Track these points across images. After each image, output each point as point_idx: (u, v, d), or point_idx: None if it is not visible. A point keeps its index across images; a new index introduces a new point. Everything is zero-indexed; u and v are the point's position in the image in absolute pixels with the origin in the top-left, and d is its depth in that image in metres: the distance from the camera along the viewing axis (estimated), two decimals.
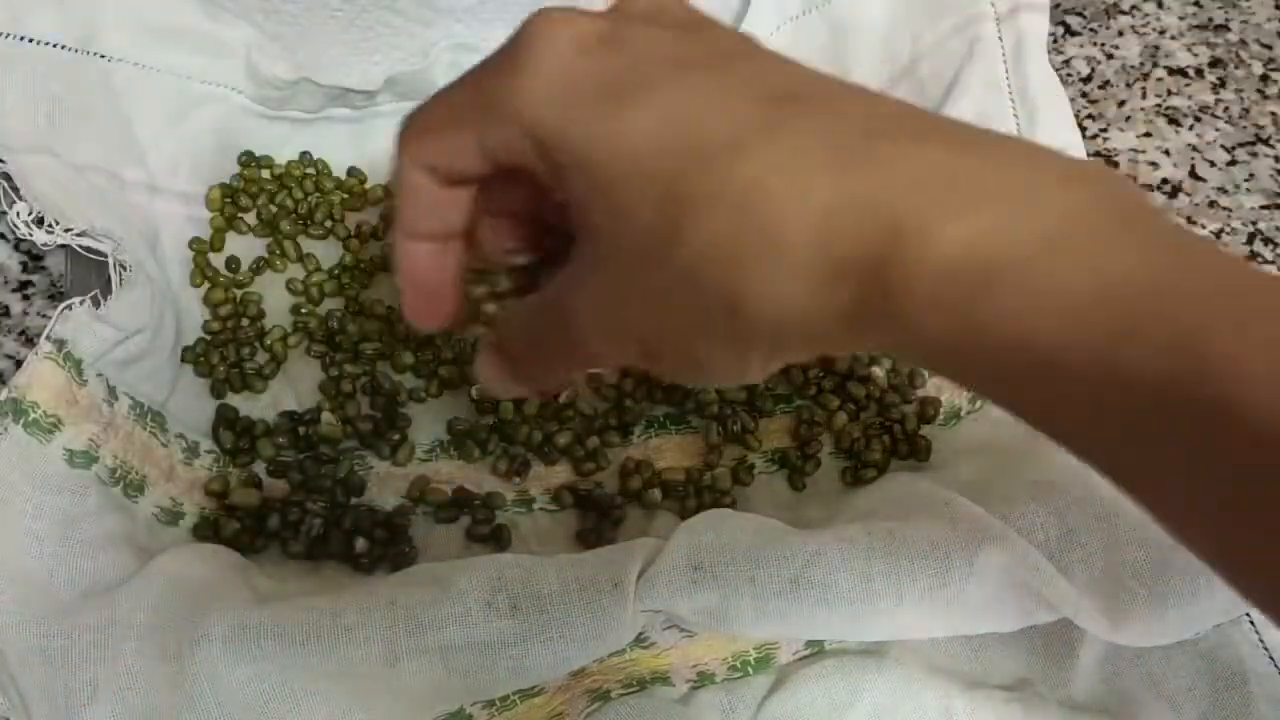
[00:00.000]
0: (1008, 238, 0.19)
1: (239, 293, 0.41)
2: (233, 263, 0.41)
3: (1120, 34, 0.51)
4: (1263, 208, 0.46)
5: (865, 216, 0.19)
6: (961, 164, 0.20)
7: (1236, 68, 0.51)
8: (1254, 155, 0.48)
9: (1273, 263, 0.44)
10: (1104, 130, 0.48)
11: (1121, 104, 0.49)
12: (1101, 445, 0.19)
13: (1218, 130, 0.48)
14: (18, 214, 0.35)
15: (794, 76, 0.22)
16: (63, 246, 0.35)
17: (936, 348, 0.20)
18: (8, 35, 0.38)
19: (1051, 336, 0.18)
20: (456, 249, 0.27)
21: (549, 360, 0.26)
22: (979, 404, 0.39)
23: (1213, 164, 0.47)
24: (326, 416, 0.38)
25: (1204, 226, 0.45)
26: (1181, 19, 0.52)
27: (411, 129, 0.25)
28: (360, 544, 0.35)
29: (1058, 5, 0.52)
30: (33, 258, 0.40)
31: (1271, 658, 0.33)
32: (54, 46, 0.39)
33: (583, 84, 0.21)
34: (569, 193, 0.22)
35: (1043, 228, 0.19)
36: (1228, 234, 0.45)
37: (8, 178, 0.35)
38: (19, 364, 0.33)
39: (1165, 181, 0.47)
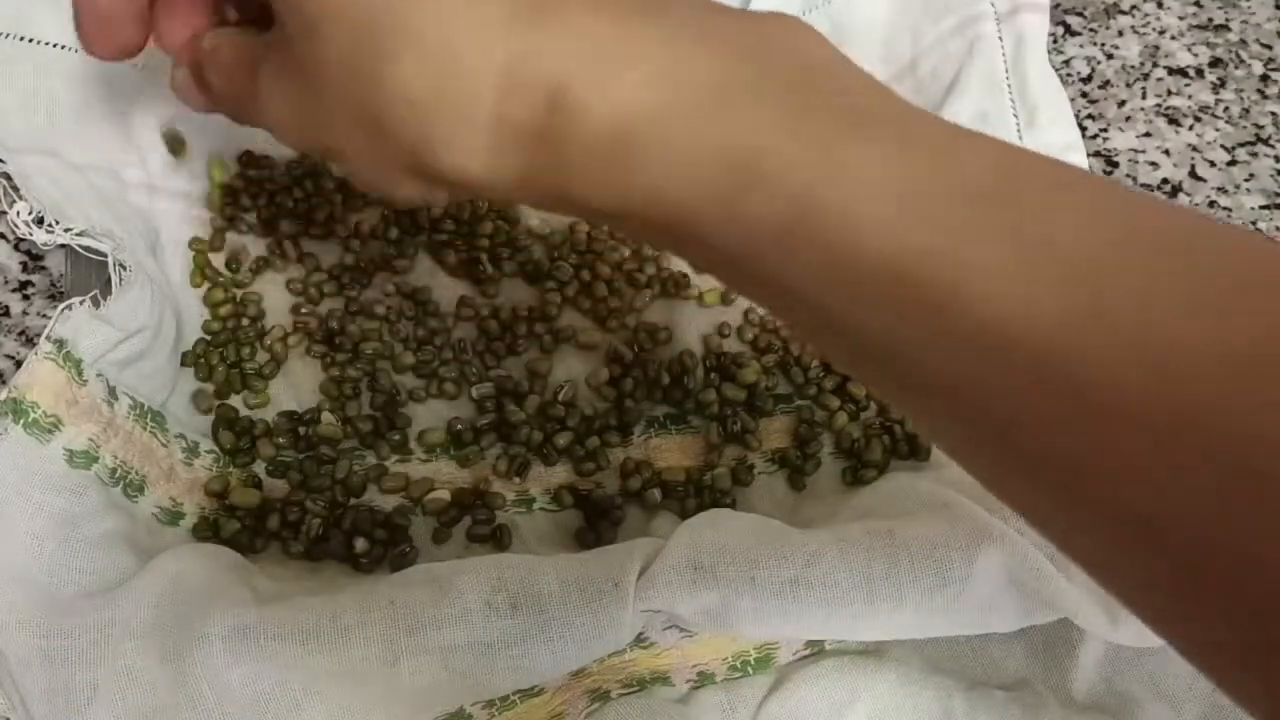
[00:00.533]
0: (647, 107, 0.20)
1: (239, 293, 0.41)
2: (233, 263, 0.41)
3: (1120, 34, 0.51)
4: (1263, 208, 0.46)
5: (535, 84, 0.21)
6: (627, 33, 0.21)
7: (1236, 68, 0.51)
8: (1254, 155, 0.48)
9: None
10: (1104, 130, 0.48)
11: (1122, 104, 0.49)
12: (748, 293, 0.23)
13: (1218, 130, 0.48)
14: (18, 214, 0.35)
15: None
16: (63, 246, 0.35)
17: (600, 214, 0.22)
18: (8, 35, 0.38)
19: (679, 198, 0.20)
20: None
21: (234, 105, 0.27)
22: None
23: (1213, 164, 0.47)
24: (326, 416, 0.38)
25: None
26: (1181, 19, 0.52)
27: None
28: (360, 544, 0.35)
29: (1058, 5, 0.52)
30: (33, 258, 0.40)
31: None
32: (54, 46, 0.39)
33: None
34: None
35: (680, 96, 0.20)
36: None
37: (8, 178, 0.35)
38: (19, 364, 0.33)
39: (1165, 181, 0.47)
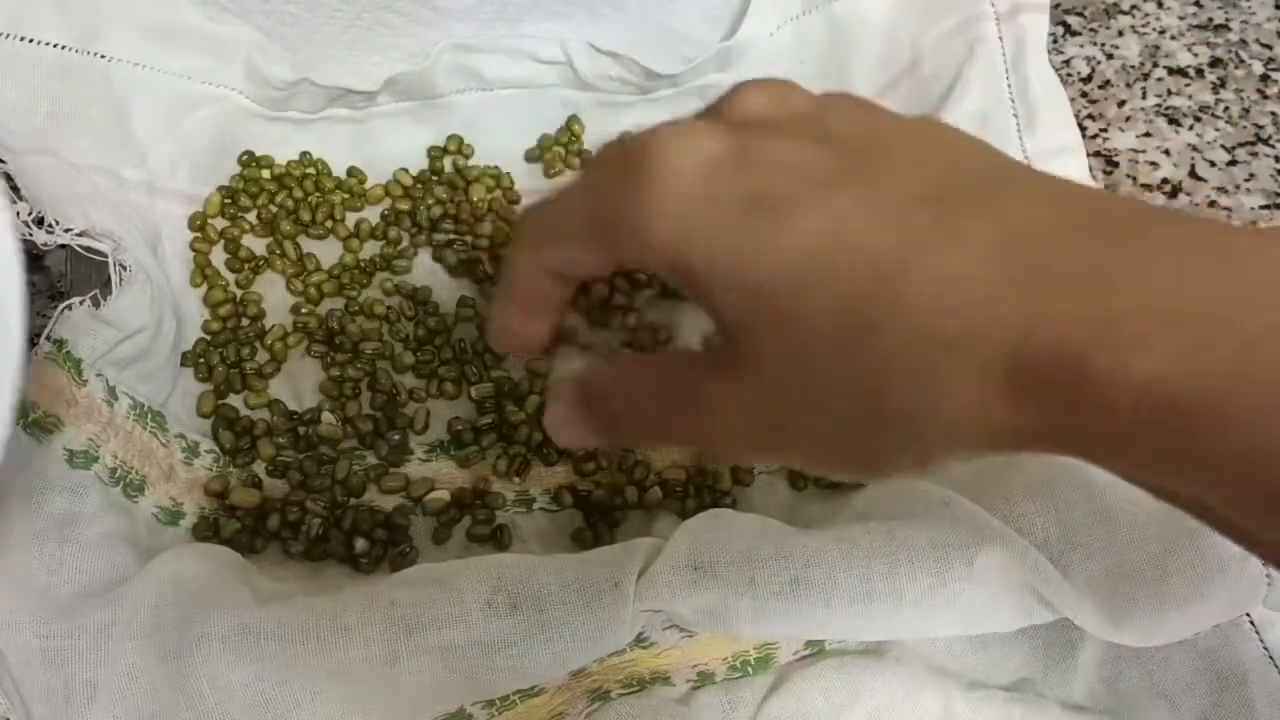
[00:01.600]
0: (1197, 371, 0.17)
1: (239, 293, 0.41)
2: (233, 263, 0.41)
3: (1120, 34, 0.51)
4: (1263, 208, 0.46)
5: (1054, 345, 0.18)
6: (1156, 278, 0.18)
7: (1236, 68, 0.51)
8: (1254, 155, 0.48)
9: None
10: (1104, 130, 0.48)
11: (1122, 104, 0.49)
12: None
13: (1218, 130, 0.48)
14: (18, 214, 0.35)
15: (944, 168, 0.21)
16: (63, 246, 0.35)
17: (1122, 470, 0.20)
18: (8, 35, 0.38)
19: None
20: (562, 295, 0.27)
21: (653, 432, 0.27)
22: None
23: (1213, 164, 0.47)
24: (326, 416, 0.38)
25: None
26: (1181, 19, 0.52)
27: (534, 233, 0.26)
28: (360, 544, 0.35)
29: (1058, 5, 0.52)
30: (33, 258, 0.40)
31: (1271, 658, 0.33)
32: (54, 46, 0.39)
33: (723, 202, 0.21)
34: (713, 301, 0.22)
35: (1232, 356, 0.17)
36: None
37: (8, 177, 0.35)
38: None
39: (1165, 181, 0.47)
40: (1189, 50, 0.51)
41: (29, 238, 0.34)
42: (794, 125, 0.23)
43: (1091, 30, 0.51)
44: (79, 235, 0.35)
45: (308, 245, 0.42)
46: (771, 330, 0.21)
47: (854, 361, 0.20)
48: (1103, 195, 0.22)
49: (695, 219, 0.21)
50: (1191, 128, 0.48)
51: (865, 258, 0.20)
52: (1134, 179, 0.47)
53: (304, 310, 0.41)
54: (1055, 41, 0.51)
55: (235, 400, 0.39)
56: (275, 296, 0.41)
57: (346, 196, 0.43)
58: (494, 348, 0.30)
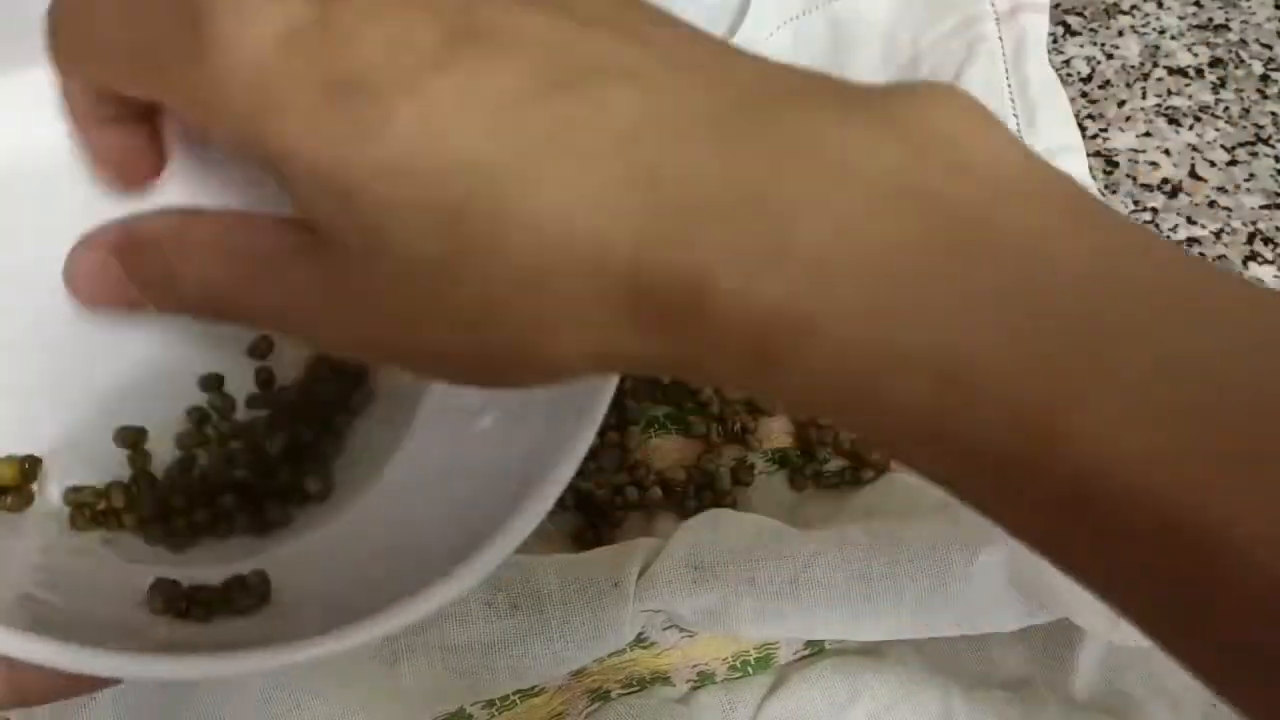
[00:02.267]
0: (812, 296, 0.16)
1: None
2: None
3: (1120, 34, 0.51)
4: (1263, 207, 0.46)
5: (675, 275, 0.17)
6: (769, 193, 0.17)
7: (1237, 68, 0.51)
8: (1254, 155, 0.48)
9: (1273, 262, 0.45)
10: (1104, 130, 0.48)
11: (1121, 104, 0.49)
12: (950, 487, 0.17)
13: (1218, 130, 0.48)
14: None
15: (578, 39, 0.18)
16: None
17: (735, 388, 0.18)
18: None
19: (854, 408, 0.17)
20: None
21: (220, 304, 0.22)
22: None
23: (1213, 164, 0.47)
24: None
25: (1204, 226, 0.45)
26: (1181, 19, 0.52)
27: (69, 48, 0.22)
28: None
29: (1058, 5, 0.52)
30: None
31: None
32: None
33: (301, 82, 0.18)
34: (289, 191, 0.19)
35: (855, 282, 0.16)
36: (1227, 234, 0.45)
37: None
38: None
39: (1165, 181, 0.47)
40: (1189, 50, 0.51)
41: None
42: None
43: (1091, 30, 0.52)
44: None
45: None
46: (361, 242, 0.19)
47: (459, 293, 0.18)
48: (746, 69, 0.19)
49: (269, 89, 0.18)
50: (1191, 128, 0.48)
51: (461, 173, 0.17)
52: (1134, 179, 0.47)
53: None
54: (1055, 41, 0.51)
55: None
56: None
57: None
58: (121, 184, 0.24)
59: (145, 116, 0.24)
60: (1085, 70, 0.50)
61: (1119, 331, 0.15)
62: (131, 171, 0.24)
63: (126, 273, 0.23)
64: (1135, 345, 0.15)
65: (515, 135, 0.17)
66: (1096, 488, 0.15)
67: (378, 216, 0.18)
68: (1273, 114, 0.49)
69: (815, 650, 0.34)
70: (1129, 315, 0.16)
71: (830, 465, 0.39)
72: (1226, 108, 0.49)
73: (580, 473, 0.38)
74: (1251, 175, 0.47)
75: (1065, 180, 0.17)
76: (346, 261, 0.19)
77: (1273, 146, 0.48)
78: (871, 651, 0.33)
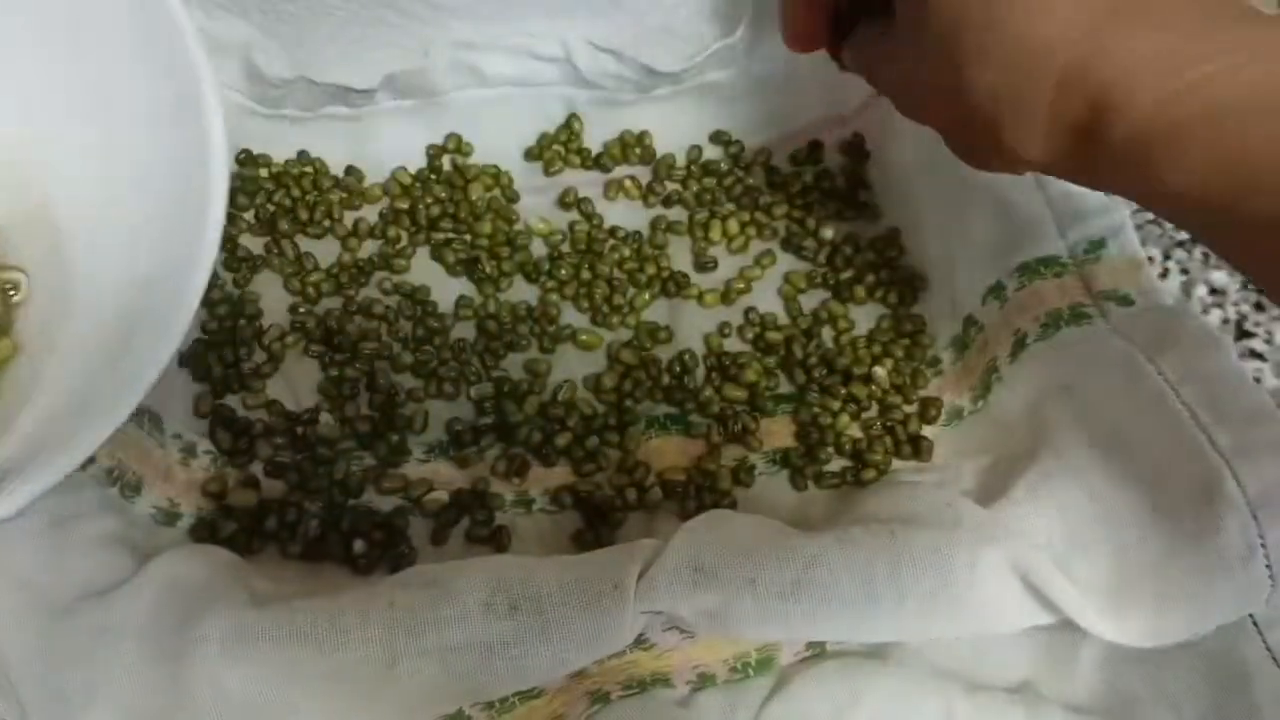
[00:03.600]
0: (1171, 118, 0.24)
1: (236, 292, 0.41)
2: (230, 262, 0.41)
3: None
4: None
5: (1084, 88, 0.25)
6: (1182, 44, 0.24)
7: None
8: None
9: None
10: None
11: None
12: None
13: None
14: None
15: None
16: None
17: (1134, 196, 0.26)
18: None
19: (1193, 197, 0.23)
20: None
21: (869, 70, 0.35)
22: (981, 404, 0.39)
23: None
24: (325, 417, 0.38)
25: None
26: None
27: None
28: (358, 545, 0.35)
29: None
30: None
31: (1275, 659, 0.33)
32: None
33: None
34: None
35: (1208, 107, 0.23)
36: None
37: None
38: None
39: None
40: None
41: None
42: None
43: None
44: None
45: (305, 244, 0.42)
46: (912, 15, 0.28)
47: (960, 72, 0.27)
48: None
49: None
50: None
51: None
52: None
53: (302, 310, 0.41)
54: None
55: (233, 400, 0.38)
56: (273, 296, 0.41)
57: (344, 195, 0.43)
58: (792, 49, 0.37)
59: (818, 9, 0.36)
60: None
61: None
62: (805, 44, 0.37)
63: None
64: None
65: None
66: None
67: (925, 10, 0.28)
68: None
69: (816, 652, 0.33)
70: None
71: (831, 466, 0.39)
72: None
73: (580, 473, 0.38)
74: None
75: None
76: (899, 39, 0.30)
77: None
78: (873, 653, 0.33)
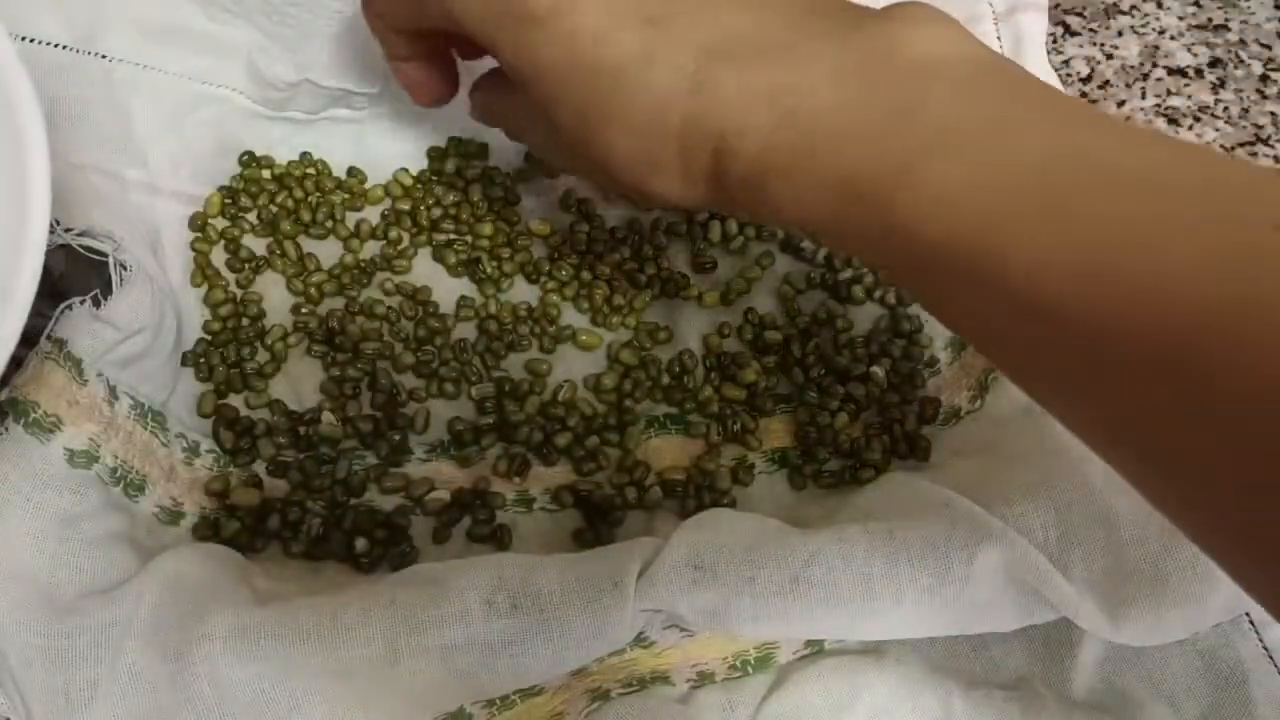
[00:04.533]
0: (775, 152, 0.26)
1: (239, 293, 0.41)
2: (233, 263, 0.41)
3: (1120, 34, 0.51)
4: None
5: (701, 140, 0.27)
6: (764, 83, 0.26)
7: (1236, 68, 0.51)
8: (1254, 155, 0.48)
9: None
10: None
11: (1121, 104, 0.49)
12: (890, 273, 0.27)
13: (1217, 130, 0.48)
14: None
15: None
16: (62, 246, 0.35)
17: (767, 220, 0.30)
18: (8, 35, 0.38)
19: (806, 217, 0.26)
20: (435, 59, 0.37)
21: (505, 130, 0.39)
22: (979, 404, 0.39)
23: None
24: (327, 416, 0.38)
25: None
26: (1181, 19, 0.52)
27: (374, 12, 0.36)
28: (360, 544, 0.35)
29: (1057, 5, 0.52)
30: None
31: (1271, 657, 0.33)
32: (54, 46, 0.39)
33: (497, 10, 0.29)
34: (498, 59, 0.31)
35: (800, 139, 0.26)
36: None
37: None
38: (19, 364, 0.33)
39: None
40: (1188, 50, 0.51)
41: None
42: None
43: (1091, 30, 0.52)
44: (79, 235, 0.35)
45: (308, 245, 0.43)
46: (539, 97, 0.30)
47: (590, 148, 0.29)
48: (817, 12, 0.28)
49: (483, 15, 0.30)
50: (1191, 128, 0.48)
51: (592, 64, 0.28)
52: None
53: (304, 310, 0.41)
54: (1054, 42, 0.51)
55: (236, 400, 0.39)
56: (276, 296, 0.41)
57: (347, 197, 0.44)
58: (425, 105, 0.38)
59: (432, 57, 0.37)
60: (1085, 70, 0.50)
61: (952, 140, 0.24)
62: (425, 94, 0.38)
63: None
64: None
65: (619, 50, 0.28)
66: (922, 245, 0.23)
67: (547, 92, 0.29)
68: (1272, 114, 0.49)
69: (815, 650, 0.34)
70: (965, 125, 0.24)
71: (830, 465, 0.39)
72: (1226, 108, 0.49)
73: (580, 473, 0.38)
74: None
75: (997, 59, 0.26)
76: (539, 107, 0.30)
77: (1272, 146, 0.48)
78: (871, 651, 0.34)
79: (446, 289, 0.42)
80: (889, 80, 0.25)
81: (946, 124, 0.24)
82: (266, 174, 0.43)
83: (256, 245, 0.42)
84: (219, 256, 0.41)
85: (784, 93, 0.26)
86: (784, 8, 0.28)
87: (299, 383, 0.40)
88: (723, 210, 0.31)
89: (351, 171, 0.44)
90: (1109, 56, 0.51)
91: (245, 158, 0.43)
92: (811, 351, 0.41)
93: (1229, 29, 0.52)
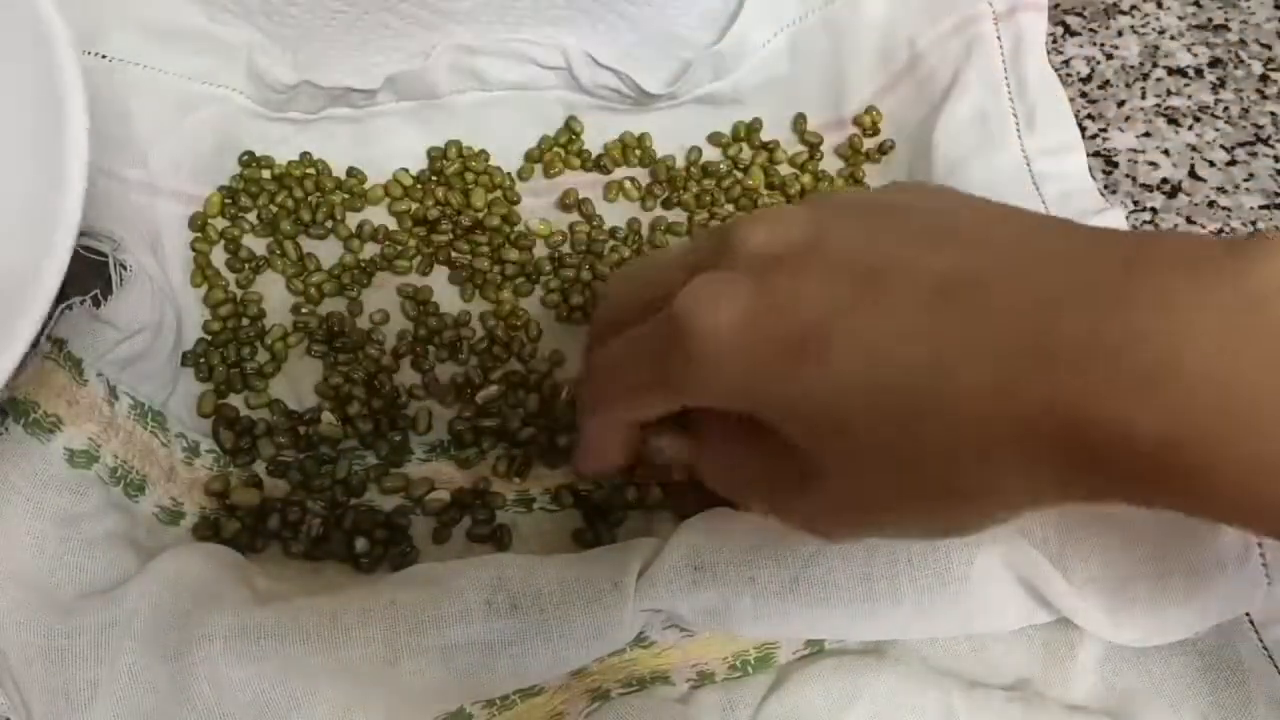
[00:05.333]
0: (1192, 418, 0.20)
1: (239, 293, 0.41)
2: (233, 263, 0.41)
3: (1120, 34, 0.51)
4: (1262, 207, 0.46)
5: (1063, 424, 0.21)
6: (1134, 338, 0.21)
7: (1236, 68, 0.51)
8: (1254, 155, 0.48)
9: None
10: (1104, 130, 0.48)
11: (1121, 104, 0.49)
12: None
13: (1217, 130, 0.48)
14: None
15: (950, 261, 0.23)
16: None
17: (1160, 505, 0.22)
18: None
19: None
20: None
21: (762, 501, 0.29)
22: None
23: (1212, 164, 0.47)
24: (327, 416, 0.38)
25: (1203, 226, 0.45)
26: (1181, 19, 0.52)
27: (601, 398, 0.30)
28: (360, 544, 0.35)
29: (1057, 5, 0.52)
30: None
31: (1271, 657, 0.33)
32: None
33: (764, 349, 0.24)
34: (779, 429, 0.25)
35: (1221, 399, 0.20)
36: (1227, 234, 0.45)
37: None
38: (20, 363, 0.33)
39: (1165, 181, 0.47)
40: (1188, 50, 0.51)
41: None
42: (799, 259, 0.25)
43: (1091, 30, 0.52)
44: (79, 235, 0.35)
45: (308, 245, 0.43)
46: (835, 446, 0.24)
47: (916, 458, 0.23)
48: (1098, 243, 0.23)
49: (744, 368, 0.24)
50: (1191, 128, 0.48)
51: (900, 375, 0.23)
52: (1134, 179, 0.47)
53: (304, 310, 0.41)
54: (1054, 42, 0.51)
55: (236, 400, 0.39)
56: (276, 296, 0.41)
57: (347, 197, 0.44)
58: (586, 471, 0.35)
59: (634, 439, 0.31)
60: (1085, 70, 0.50)
61: None
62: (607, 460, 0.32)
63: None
64: None
65: (935, 338, 0.23)
66: None
67: (843, 426, 0.24)
68: (1272, 114, 0.49)
69: (815, 650, 0.34)
70: None
71: None
72: (1226, 108, 0.49)
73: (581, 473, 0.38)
74: (1251, 175, 0.47)
75: None
76: (827, 470, 0.25)
77: (1272, 146, 0.48)
78: (871, 651, 0.33)
79: (446, 289, 0.42)
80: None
81: None
82: (266, 174, 0.43)
83: (256, 245, 0.42)
84: (219, 256, 0.41)
85: (1183, 363, 0.20)
86: (1096, 259, 0.22)
87: (299, 383, 0.40)
88: (1099, 501, 0.23)
89: (351, 171, 0.44)
90: (1109, 56, 0.51)
91: (245, 158, 0.43)
92: None
93: (1229, 29, 0.52)
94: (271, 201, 0.43)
